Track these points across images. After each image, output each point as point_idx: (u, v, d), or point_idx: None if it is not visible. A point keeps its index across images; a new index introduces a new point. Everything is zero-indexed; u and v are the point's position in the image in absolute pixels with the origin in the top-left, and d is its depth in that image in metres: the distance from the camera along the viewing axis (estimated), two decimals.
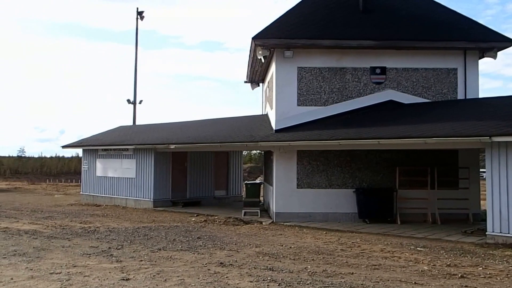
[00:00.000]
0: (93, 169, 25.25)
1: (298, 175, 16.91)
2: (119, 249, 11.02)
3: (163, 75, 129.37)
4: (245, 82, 24.94)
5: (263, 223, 16.46)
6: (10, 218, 17.61)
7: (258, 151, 54.65)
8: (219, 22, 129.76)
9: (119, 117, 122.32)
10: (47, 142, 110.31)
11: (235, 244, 11.92)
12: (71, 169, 57.32)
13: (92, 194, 25.12)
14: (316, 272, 8.69)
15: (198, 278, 8.01)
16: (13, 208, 21.67)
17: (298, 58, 17.02)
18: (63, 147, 28.59)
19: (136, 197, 22.63)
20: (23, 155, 67.39)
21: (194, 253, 10.48)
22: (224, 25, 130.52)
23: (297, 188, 16.88)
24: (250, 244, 11.86)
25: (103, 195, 24.39)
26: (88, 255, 10.14)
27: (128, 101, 40.50)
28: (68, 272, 8.39)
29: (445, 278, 8.49)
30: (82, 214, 19.40)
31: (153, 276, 8.16)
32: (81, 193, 26.22)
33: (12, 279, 7.91)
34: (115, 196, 23.73)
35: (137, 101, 40.71)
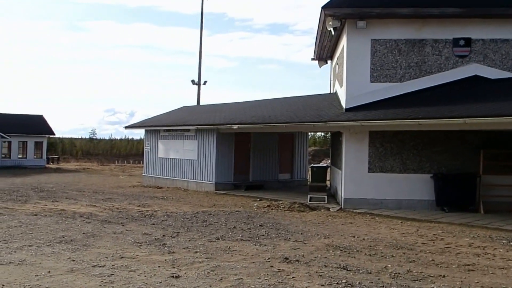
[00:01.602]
0: (155, 150, 24.76)
1: (369, 158, 15.38)
2: (173, 237, 10.06)
3: (230, 58, 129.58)
4: (312, 59, 23.43)
5: (331, 209, 15.14)
6: (70, 200, 17.30)
7: (322, 133, 53.03)
8: (287, 4, 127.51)
9: (186, 99, 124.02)
10: (117, 125, 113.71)
11: (301, 233, 10.68)
12: (139, 151, 58.37)
13: (154, 176, 24.66)
14: (399, 273, 7.28)
15: (259, 278, 6.81)
16: (75, 189, 21.55)
17: (372, 29, 15.34)
18: (126, 127, 28.43)
19: (197, 179, 21.86)
20: (94, 137, 69.68)
21: (255, 244, 9.33)
22: (292, 7, 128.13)
23: (369, 172, 15.35)
24: (318, 234, 10.59)
25: (165, 177, 23.84)
26: (138, 244, 9.22)
27: (193, 81, 40.04)
28: (112, 265, 7.44)
29: None
30: (142, 196, 18.83)
31: (207, 273, 7.04)
32: (143, 174, 25.86)
33: (49, 272, 7.03)
34: (176, 178, 23.10)
35: (202, 82, 40.16)
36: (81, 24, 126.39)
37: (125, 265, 7.45)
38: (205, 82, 40.42)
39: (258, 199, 17.81)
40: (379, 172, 15.28)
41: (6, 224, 11.67)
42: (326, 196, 16.95)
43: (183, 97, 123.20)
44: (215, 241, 9.67)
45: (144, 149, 26.04)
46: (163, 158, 24.14)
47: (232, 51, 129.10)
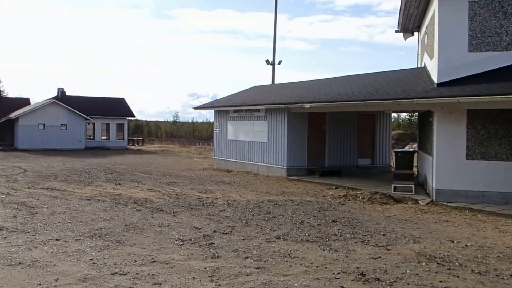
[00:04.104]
0: (225, 132, 23.35)
1: (468, 142, 12.86)
2: (226, 233, 8.39)
3: (310, 41, 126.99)
4: (396, 31, 20.76)
5: (420, 202, 12.86)
6: (133, 183, 16.31)
7: (408, 115, 49.39)
8: None
9: (265, 82, 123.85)
10: (200, 109, 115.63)
11: (384, 234, 8.63)
12: None
13: (223, 158, 23.29)
14: None
15: None
16: (144, 171, 20.66)
17: None
18: (195, 108, 27.41)
19: (268, 163, 20.17)
20: (177, 120, 70.70)
21: (323, 249, 7.41)
22: None
23: (467, 159, 12.85)
24: (405, 236, 8.49)
25: (235, 160, 22.37)
26: (181, 242, 7.60)
27: (267, 61, 38.45)
28: (136, 274, 5.83)
29: None
30: (208, 180, 17.45)
31: None
32: (213, 157, 24.59)
33: (57, 280, 5.56)
34: (246, 162, 21.55)
35: (276, 62, 38.43)
36: (167, 11, 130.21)
37: (152, 274, 5.82)
38: (279, 62, 38.71)
39: (333, 187, 15.82)
40: (480, 159, 12.74)
41: (50, 210, 10.65)
42: (413, 186, 14.62)
43: (263, 80, 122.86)
44: (274, 241, 7.88)
45: (214, 131, 24.76)
46: (232, 140, 22.67)
47: (312, 33, 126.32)
